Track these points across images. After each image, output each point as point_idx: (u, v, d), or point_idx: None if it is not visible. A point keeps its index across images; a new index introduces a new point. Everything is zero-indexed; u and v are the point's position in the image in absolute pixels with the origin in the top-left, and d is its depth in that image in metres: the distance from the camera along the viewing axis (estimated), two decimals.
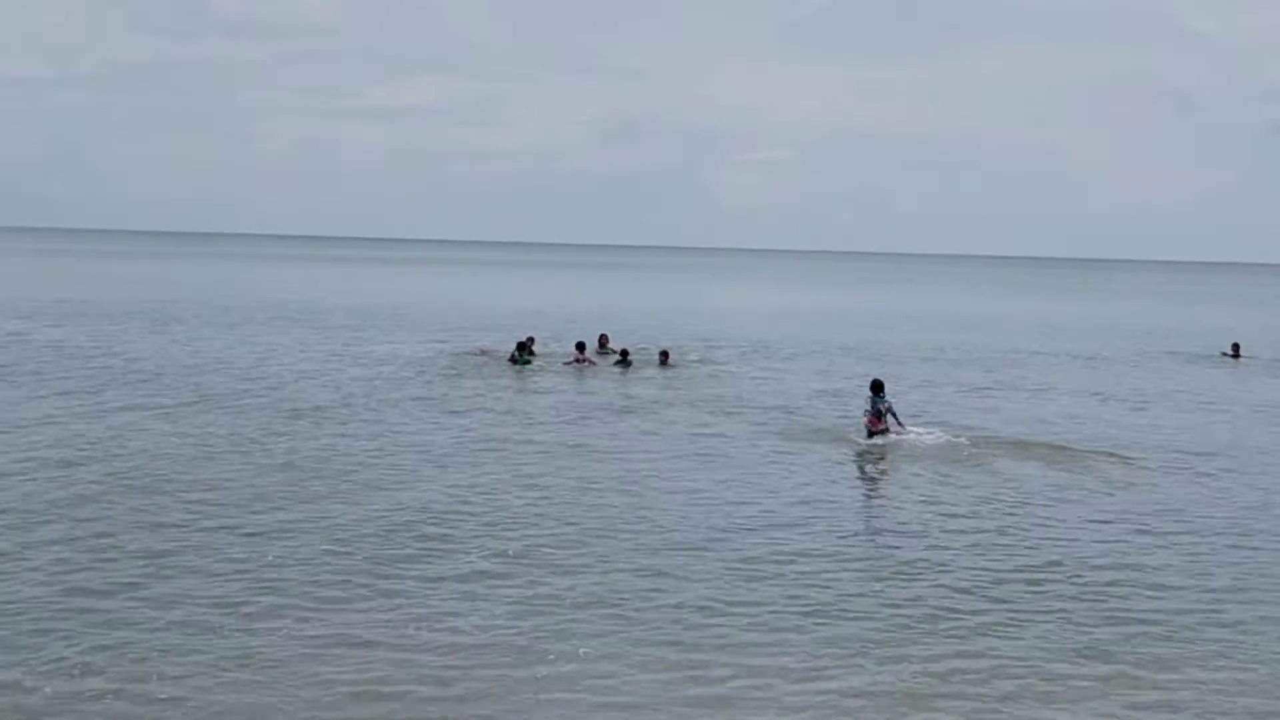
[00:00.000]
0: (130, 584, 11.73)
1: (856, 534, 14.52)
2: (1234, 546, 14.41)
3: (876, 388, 20.28)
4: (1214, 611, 11.93)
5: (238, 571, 12.21)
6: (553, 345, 35.42)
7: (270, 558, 12.68)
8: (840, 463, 18.82)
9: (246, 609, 11.09)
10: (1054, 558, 13.59)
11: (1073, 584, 12.63)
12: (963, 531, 14.67)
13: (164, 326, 40.59)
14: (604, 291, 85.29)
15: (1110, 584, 12.67)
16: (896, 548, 13.88)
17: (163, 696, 9.17)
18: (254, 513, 14.61)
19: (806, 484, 17.11)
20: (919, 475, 17.94)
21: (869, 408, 20.13)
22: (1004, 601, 11.97)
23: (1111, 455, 20.05)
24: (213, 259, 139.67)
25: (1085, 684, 9.97)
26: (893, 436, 19.84)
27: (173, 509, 14.68)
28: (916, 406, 24.57)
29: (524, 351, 30.72)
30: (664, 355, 32.15)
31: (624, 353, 31.53)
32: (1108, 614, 11.71)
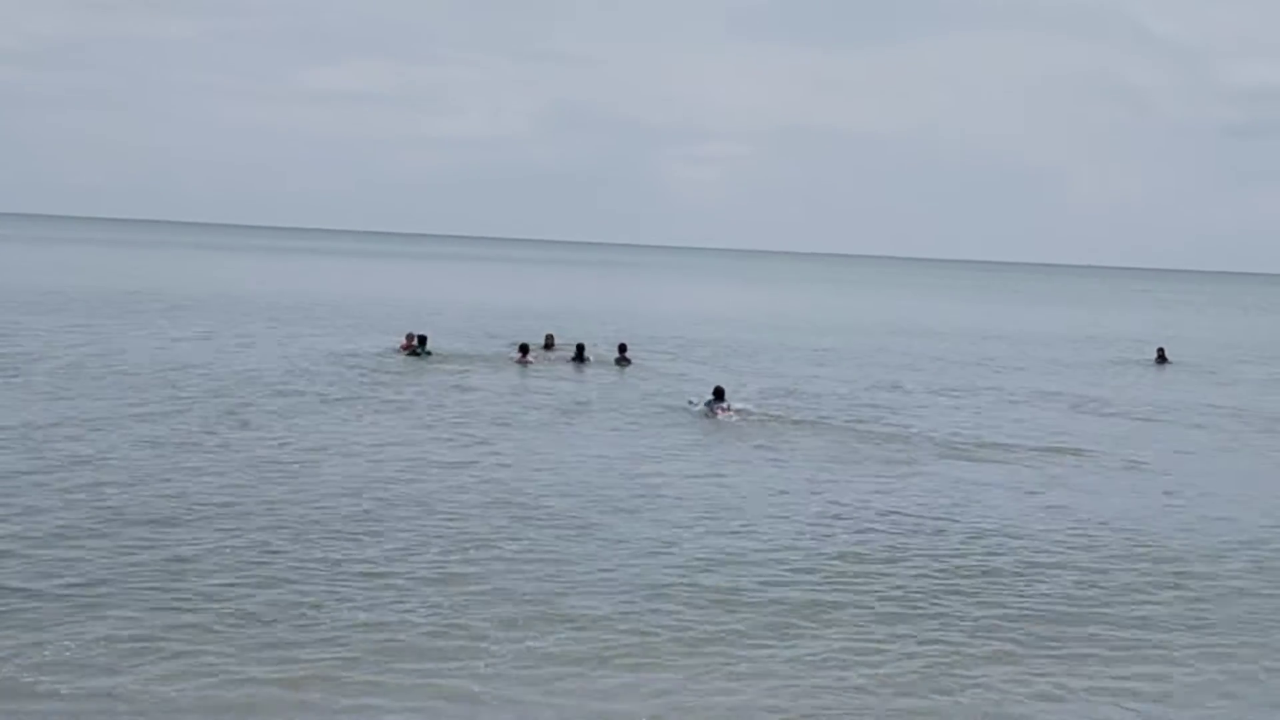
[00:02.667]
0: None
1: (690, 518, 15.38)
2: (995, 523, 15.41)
3: (718, 394, 23.42)
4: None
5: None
6: (480, 344, 36.00)
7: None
8: (677, 442, 20.74)
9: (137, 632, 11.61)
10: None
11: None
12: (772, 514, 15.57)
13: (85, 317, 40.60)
14: (541, 289, 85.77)
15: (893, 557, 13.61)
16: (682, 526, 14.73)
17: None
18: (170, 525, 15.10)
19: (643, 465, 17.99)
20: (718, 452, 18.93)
21: (710, 405, 23.31)
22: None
23: (936, 442, 21.70)
24: (139, 248, 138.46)
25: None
26: (720, 416, 22.99)
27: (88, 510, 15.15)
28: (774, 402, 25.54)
29: (421, 345, 31.79)
30: (621, 349, 32.48)
31: (580, 348, 32.15)
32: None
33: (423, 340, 32.12)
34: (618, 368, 31.43)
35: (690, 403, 24.43)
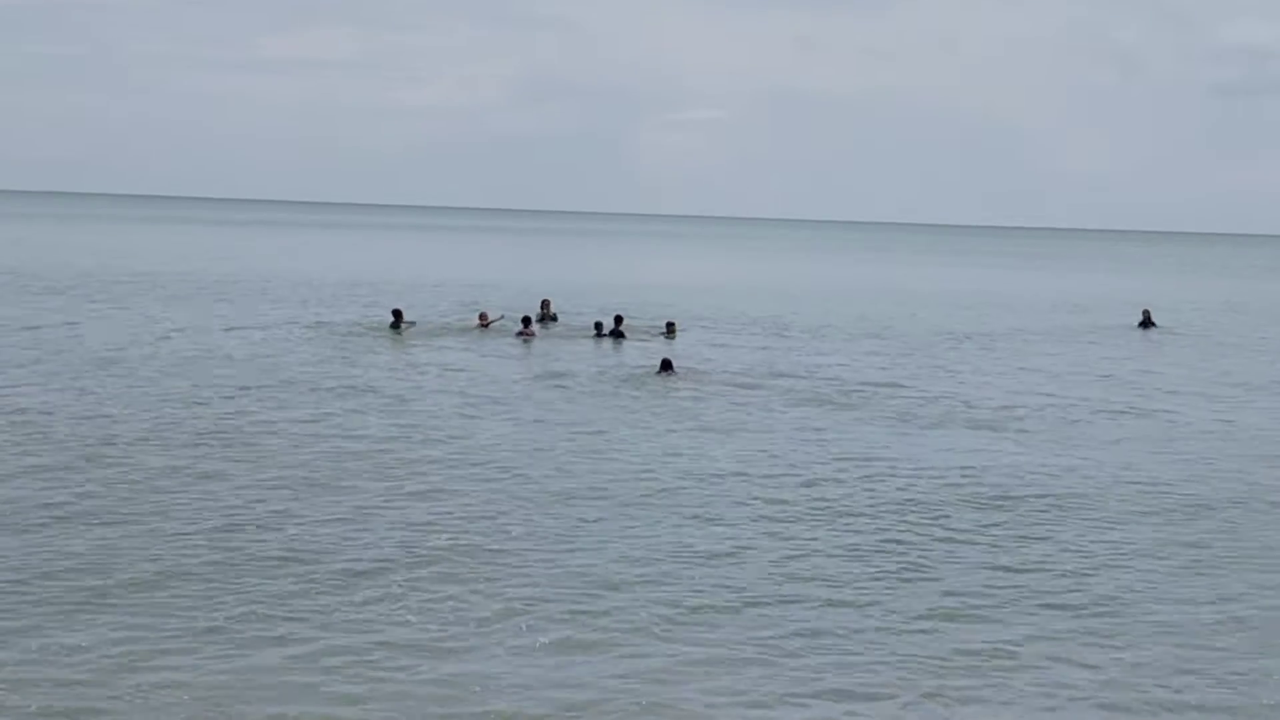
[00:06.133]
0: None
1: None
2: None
3: (666, 365, 25.39)
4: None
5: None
6: (443, 315, 36.27)
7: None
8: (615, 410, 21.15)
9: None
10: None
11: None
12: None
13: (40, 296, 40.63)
14: (517, 259, 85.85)
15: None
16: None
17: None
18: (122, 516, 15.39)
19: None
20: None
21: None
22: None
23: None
24: (93, 221, 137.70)
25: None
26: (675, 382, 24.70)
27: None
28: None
29: (398, 319, 32.19)
30: (670, 326, 33.09)
31: (617, 320, 32.42)
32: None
33: (398, 315, 32.33)
34: (665, 340, 31.80)
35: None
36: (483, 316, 33.56)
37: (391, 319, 32.22)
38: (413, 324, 32.50)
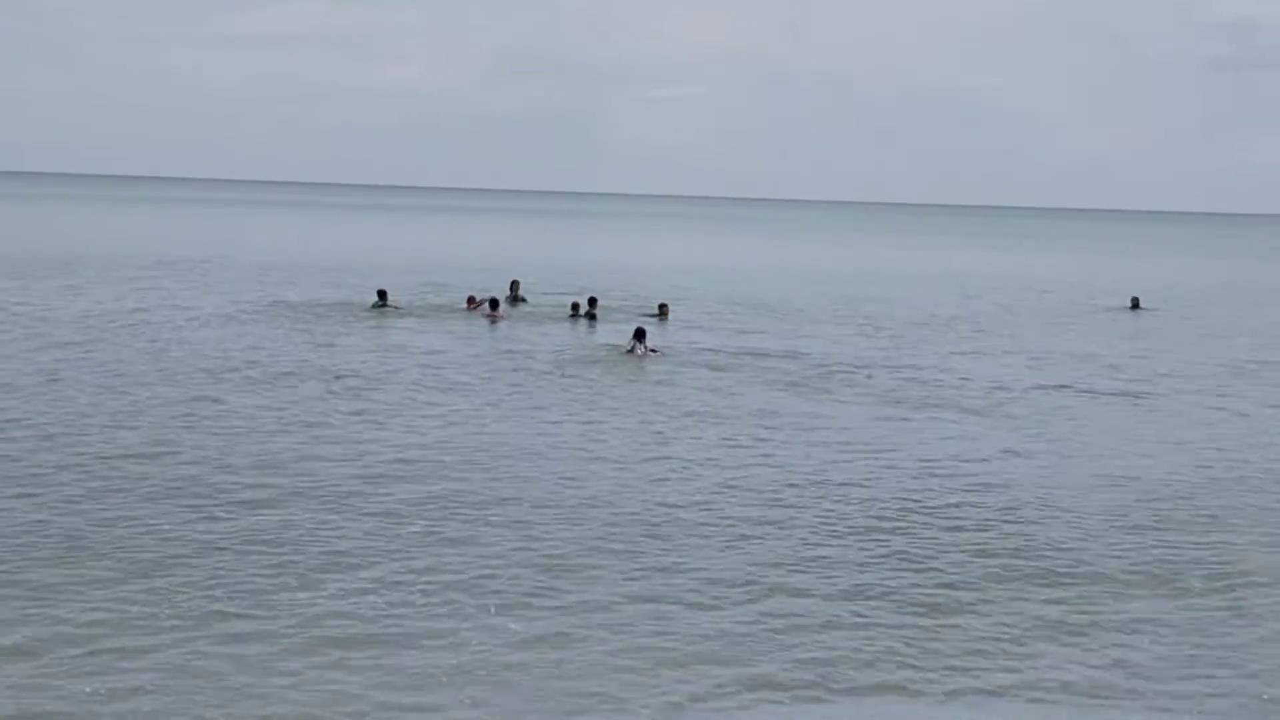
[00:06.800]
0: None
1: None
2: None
3: (639, 334, 25.80)
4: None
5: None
6: (427, 296, 36.18)
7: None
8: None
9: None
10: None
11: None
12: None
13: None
14: (493, 240, 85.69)
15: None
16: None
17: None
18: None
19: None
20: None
21: (630, 345, 25.77)
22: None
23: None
24: (54, 201, 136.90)
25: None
26: (640, 351, 25.57)
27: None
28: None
29: (383, 299, 32.82)
30: (663, 308, 33.07)
31: (591, 301, 32.52)
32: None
33: (383, 295, 32.93)
34: (658, 322, 31.68)
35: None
36: (471, 299, 33.43)
37: (376, 299, 32.77)
38: (397, 307, 32.66)
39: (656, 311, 33.22)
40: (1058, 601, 11.92)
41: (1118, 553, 13.45)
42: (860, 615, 11.36)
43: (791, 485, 15.77)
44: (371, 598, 11.34)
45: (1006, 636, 11.01)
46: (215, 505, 13.94)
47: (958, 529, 14.13)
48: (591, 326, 31.15)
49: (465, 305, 33.21)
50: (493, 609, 11.11)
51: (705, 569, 12.42)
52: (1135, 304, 41.66)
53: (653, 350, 25.85)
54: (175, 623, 10.61)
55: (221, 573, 11.82)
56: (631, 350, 25.54)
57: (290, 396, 20.45)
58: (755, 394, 22.28)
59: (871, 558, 12.98)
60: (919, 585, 12.19)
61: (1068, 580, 12.53)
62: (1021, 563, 13.00)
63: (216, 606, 10.94)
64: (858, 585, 12.12)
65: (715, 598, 11.65)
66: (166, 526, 13.08)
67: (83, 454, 15.96)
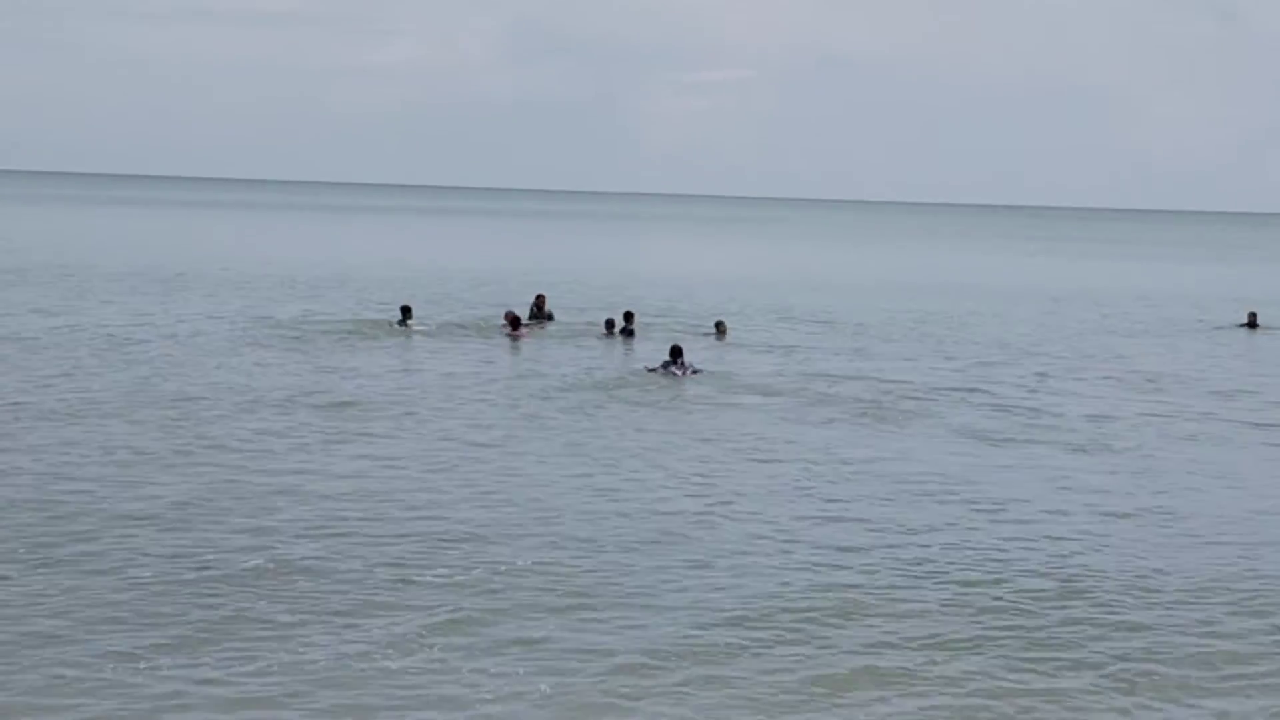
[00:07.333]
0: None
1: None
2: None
3: (675, 353, 26.31)
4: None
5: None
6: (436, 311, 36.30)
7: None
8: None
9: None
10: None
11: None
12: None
13: None
14: (506, 247, 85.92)
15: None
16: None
17: None
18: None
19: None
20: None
21: (665, 365, 26.30)
22: None
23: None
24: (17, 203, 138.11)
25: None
26: (675, 373, 26.06)
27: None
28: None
29: (406, 315, 33.25)
30: (720, 326, 33.42)
31: (628, 317, 32.74)
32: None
33: (406, 311, 33.35)
34: (716, 341, 32.19)
35: (648, 369, 26.45)
36: (513, 319, 32.70)
37: (400, 315, 33.29)
38: (425, 328, 33.09)
39: (713, 330, 33.22)
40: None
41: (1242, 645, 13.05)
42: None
43: (856, 533, 15.68)
44: (390, 650, 11.40)
45: None
46: (201, 530, 13.97)
47: (1053, 597, 14.01)
48: (628, 345, 31.13)
49: (506, 326, 32.42)
50: (520, 668, 11.09)
51: (733, 611, 12.36)
52: (1252, 321, 41.32)
53: (695, 371, 26.01)
54: (171, 674, 10.69)
55: (222, 622, 11.90)
56: (665, 370, 25.83)
57: (287, 426, 20.50)
58: (815, 426, 22.18)
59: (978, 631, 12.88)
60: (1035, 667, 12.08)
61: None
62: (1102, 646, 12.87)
63: (211, 659, 10.99)
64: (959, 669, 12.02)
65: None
66: (153, 562, 13.13)
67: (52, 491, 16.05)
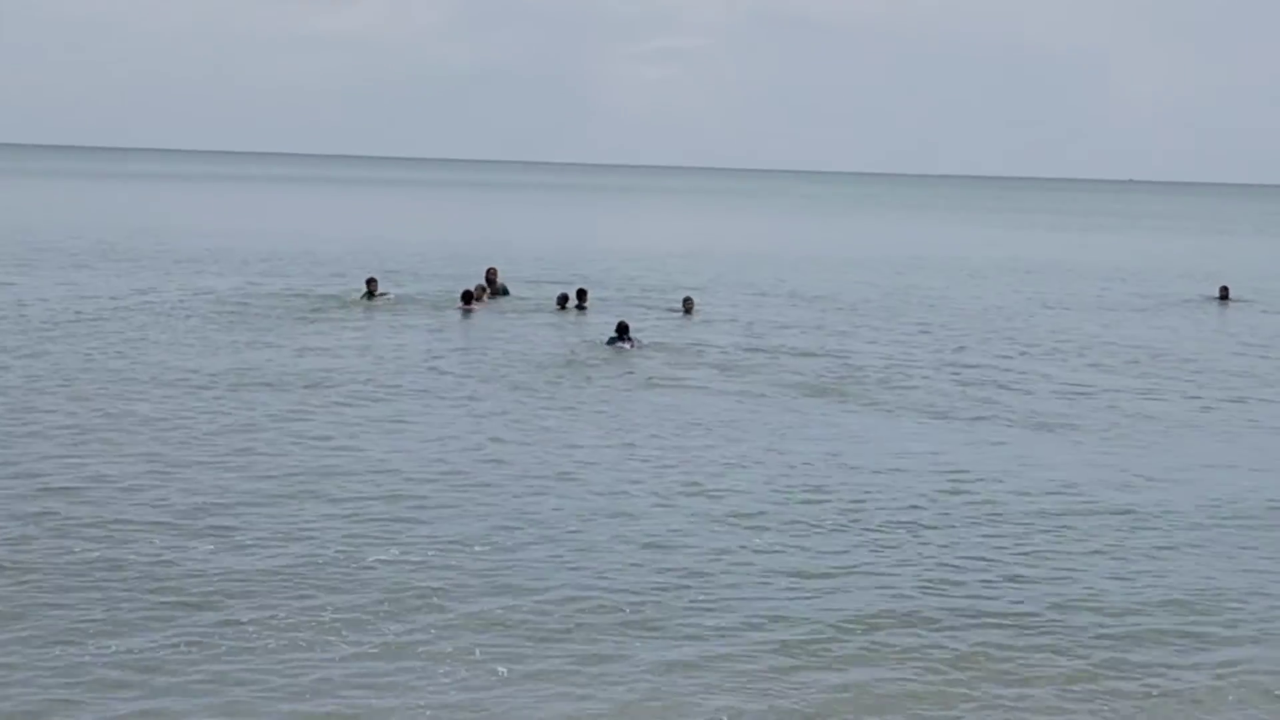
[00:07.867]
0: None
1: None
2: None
3: (622, 329, 27.13)
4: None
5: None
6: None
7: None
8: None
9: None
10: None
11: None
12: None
13: None
14: (459, 220, 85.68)
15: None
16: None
17: None
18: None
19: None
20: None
21: (610, 341, 27.07)
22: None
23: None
24: None
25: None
26: (623, 347, 26.80)
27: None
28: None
29: (371, 289, 33.56)
30: (688, 303, 33.44)
31: (580, 294, 32.93)
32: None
33: (371, 283, 33.80)
34: (683, 319, 32.23)
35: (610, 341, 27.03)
36: (466, 295, 32.91)
37: (365, 289, 33.59)
38: (386, 294, 33.53)
39: (681, 306, 33.24)
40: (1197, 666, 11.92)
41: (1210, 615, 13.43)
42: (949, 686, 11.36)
43: (820, 513, 15.76)
44: (344, 632, 11.37)
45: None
46: (179, 547, 13.91)
47: (1025, 578, 14.12)
48: (580, 320, 31.19)
49: (461, 303, 32.49)
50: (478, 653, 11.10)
51: (708, 596, 12.43)
52: (1224, 294, 41.66)
53: (642, 345, 26.77)
54: (166, 679, 10.61)
55: (206, 631, 11.70)
56: (611, 344, 26.53)
57: (235, 406, 20.41)
58: (779, 403, 22.21)
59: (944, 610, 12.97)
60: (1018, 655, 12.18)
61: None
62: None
63: (156, 641, 10.97)
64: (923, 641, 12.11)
65: (719, 631, 11.63)
66: (135, 559, 13.07)
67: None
